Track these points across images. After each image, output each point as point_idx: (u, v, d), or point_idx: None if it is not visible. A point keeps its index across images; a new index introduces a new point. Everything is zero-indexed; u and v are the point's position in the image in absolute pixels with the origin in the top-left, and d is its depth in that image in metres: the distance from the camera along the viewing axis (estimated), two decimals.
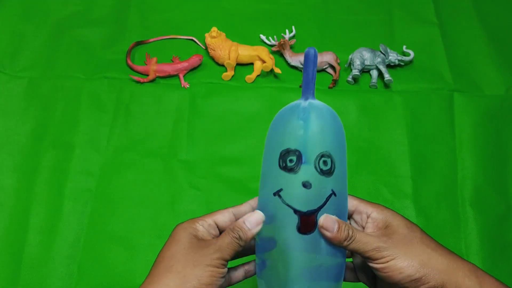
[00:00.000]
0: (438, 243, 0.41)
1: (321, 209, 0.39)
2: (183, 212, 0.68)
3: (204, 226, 0.42)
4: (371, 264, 0.40)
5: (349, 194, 0.44)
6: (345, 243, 0.39)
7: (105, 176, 0.71)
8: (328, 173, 0.40)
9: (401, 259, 0.38)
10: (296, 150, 0.40)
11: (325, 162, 0.40)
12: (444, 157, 0.73)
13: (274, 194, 0.40)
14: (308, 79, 0.42)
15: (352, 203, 0.43)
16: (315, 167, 0.40)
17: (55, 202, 0.69)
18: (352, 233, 0.39)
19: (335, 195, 0.40)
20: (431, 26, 0.87)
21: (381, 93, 0.79)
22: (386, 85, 0.80)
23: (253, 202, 0.44)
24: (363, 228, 0.42)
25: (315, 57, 0.41)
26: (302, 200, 0.39)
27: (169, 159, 0.73)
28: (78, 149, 0.73)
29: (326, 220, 0.39)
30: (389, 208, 0.43)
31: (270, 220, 0.41)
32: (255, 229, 0.40)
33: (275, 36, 0.84)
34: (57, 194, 0.69)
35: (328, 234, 0.39)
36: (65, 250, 0.65)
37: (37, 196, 0.69)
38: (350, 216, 0.44)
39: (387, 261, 0.38)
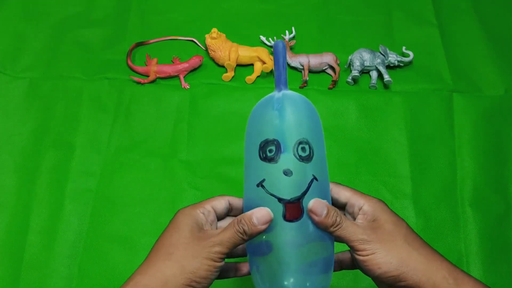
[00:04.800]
0: (422, 242, 0.41)
1: (305, 195, 0.40)
2: None
3: (204, 214, 0.42)
4: (354, 255, 0.40)
5: (344, 185, 0.44)
6: (332, 228, 0.40)
7: (106, 176, 0.71)
8: (307, 159, 0.41)
9: (381, 254, 0.39)
10: (275, 140, 0.41)
11: (303, 149, 0.41)
12: (443, 157, 0.73)
13: (258, 185, 0.41)
14: (280, 70, 0.44)
15: (346, 195, 0.43)
16: (294, 155, 0.41)
17: (55, 203, 0.69)
18: (340, 220, 0.40)
19: (316, 180, 0.41)
20: (431, 27, 0.87)
21: (380, 93, 0.79)
22: (386, 86, 0.80)
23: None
24: (355, 220, 0.42)
25: (284, 49, 0.43)
26: (285, 188, 0.40)
27: (169, 160, 0.73)
28: (78, 150, 0.73)
29: (316, 204, 0.40)
30: (381, 201, 0.43)
31: None
32: (262, 226, 0.39)
33: (275, 37, 0.85)
34: (57, 194, 0.69)
35: (316, 218, 0.40)
36: (65, 250, 0.65)
37: (37, 197, 0.69)
38: (343, 207, 0.44)
39: (368, 255, 0.39)
